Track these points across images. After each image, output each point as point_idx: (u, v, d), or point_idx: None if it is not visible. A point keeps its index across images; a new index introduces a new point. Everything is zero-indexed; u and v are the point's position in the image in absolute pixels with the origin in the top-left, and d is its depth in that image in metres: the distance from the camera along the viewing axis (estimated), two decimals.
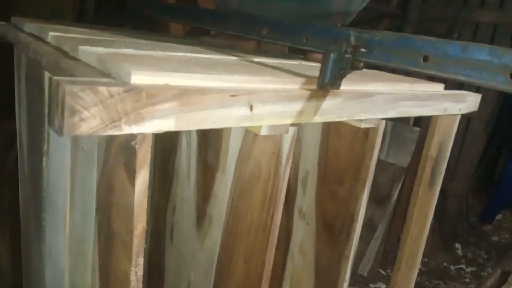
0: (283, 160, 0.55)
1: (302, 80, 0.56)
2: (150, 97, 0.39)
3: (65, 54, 0.55)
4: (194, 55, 0.63)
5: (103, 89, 0.35)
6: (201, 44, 0.87)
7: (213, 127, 0.45)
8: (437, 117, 0.81)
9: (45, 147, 0.73)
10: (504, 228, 3.10)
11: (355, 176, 0.70)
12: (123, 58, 0.47)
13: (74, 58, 0.51)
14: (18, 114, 0.93)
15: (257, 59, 0.72)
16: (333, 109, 0.57)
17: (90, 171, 0.52)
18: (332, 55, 0.53)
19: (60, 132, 0.35)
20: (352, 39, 0.54)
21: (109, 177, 0.46)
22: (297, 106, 0.52)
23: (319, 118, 0.56)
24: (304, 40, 0.61)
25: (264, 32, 0.68)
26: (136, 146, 0.39)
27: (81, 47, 0.51)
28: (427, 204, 0.88)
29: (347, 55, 0.53)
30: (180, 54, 0.61)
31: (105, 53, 0.49)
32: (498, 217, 3.21)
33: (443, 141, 0.85)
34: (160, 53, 0.58)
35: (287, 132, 0.53)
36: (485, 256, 2.68)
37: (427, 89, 0.77)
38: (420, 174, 0.84)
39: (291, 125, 0.54)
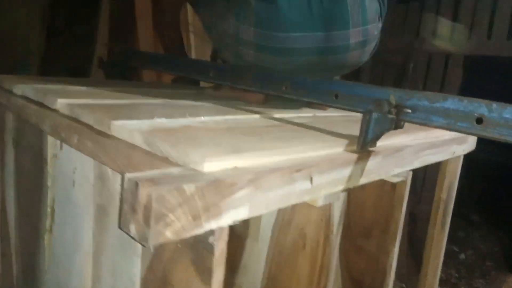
0: (334, 228, 0.52)
1: (344, 141, 0.54)
2: (229, 186, 0.35)
3: (91, 128, 0.50)
4: (223, 118, 0.60)
5: (189, 187, 0.31)
6: (207, 97, 0.84)
7: (279, 207, 0.42)
8: (446, 160, 0.83)
9: (47, 223, 0.65)
10: (468, 245, 3.22)
11: (384, 230, 0.69)
12: (174, 137, 0.43)
13: (110, 136, 0.46)
14: None
15: (277, 114, 0.70)
16: (375, 168, 0.56)
17: (127, 260, 0.46)
18: (373, 115, 0.52)
19: (144, 241, 0.30)
20: (392, 99, 0.53)
21: (165, 274, 0.40)
22: (347, 171, 0.50)
23: (363, 180, 0.54)
24: (334, 98, 0.60)
25: (284, 88, 0.66)
26: (214, 243, 0.35)
27: (116, 123, 0.46)
28: (440, 244, 0.88)
29: (391, 116, 0.52)
30: (213, 118, 0.57)
31: (148, 130, 0.45)
32: (461, 234, 3.35)
33: (451, 182, 0.86)
34: (193, 120, 0.54)
35: (338, 199, 0.51)
36: (456, 275, 2.76)
37: (437, 134, 0.79)
38: (433, 217, 0.85)
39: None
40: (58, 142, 0.60)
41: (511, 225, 3.31)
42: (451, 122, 0.49)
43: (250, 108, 0.74)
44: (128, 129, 0.44)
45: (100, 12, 1.78)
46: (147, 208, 0.30)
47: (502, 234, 3.32)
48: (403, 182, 0.66)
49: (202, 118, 0.55)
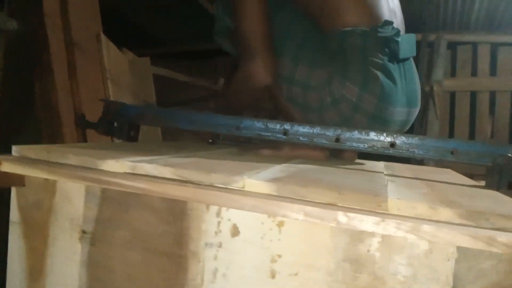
0: None
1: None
2: None
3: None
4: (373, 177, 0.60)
5: None
6: (271, 158, 0.80)
7: None
8: None
9: None
10: None
11: None
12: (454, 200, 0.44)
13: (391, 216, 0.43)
14: None
15: (386, 171, 0.74)
16: None
17: None
18: (505, 168, 0.64)
19: None
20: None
21: None
22: None
23: None
24: (450, 154, 0.68)
25: (391, 146, 0.71)
26: None
27: (394, 200, 0.43)
28: None
29: None
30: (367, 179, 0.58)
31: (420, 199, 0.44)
32: None
33: None
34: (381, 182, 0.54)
35: None
36: None
37: None
38: None
39: None
40: (227, 227, 0.49)
41: None
42: None
43: (349, 167, 0.76)
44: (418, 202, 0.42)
45: None
46: None
47: None
48: None
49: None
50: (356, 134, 0.73)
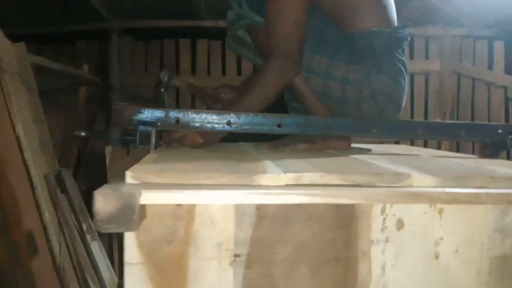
0: None
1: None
2: None
3: None
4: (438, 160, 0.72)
5: None
6: (305, 152, 0.84)
7: None
8: None
9: None
10: None
11: None
12: None
13: None
14: None
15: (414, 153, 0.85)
16: None
17: None
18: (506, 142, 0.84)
19: None
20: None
21: None
22: None
23: None
24: (460, 135, 0.85)
25: (418, 132, 0.84)
26: None
27: None
28: None
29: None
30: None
31: None
32: None
33: None
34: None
35: None
36: None
37: None
38: None
39: None
40: (392, 222, 0.53)
41: None
42: None
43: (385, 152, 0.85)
44: None
45: None
46: None
47: None
48: None
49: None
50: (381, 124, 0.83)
